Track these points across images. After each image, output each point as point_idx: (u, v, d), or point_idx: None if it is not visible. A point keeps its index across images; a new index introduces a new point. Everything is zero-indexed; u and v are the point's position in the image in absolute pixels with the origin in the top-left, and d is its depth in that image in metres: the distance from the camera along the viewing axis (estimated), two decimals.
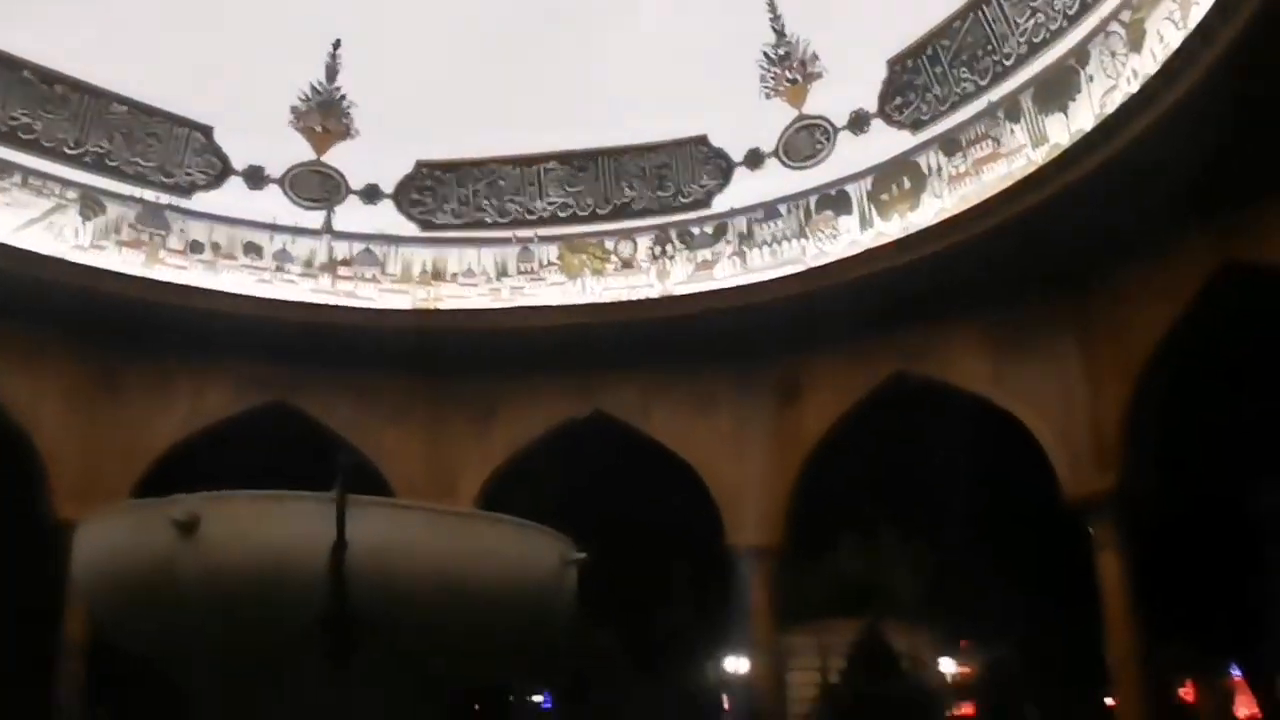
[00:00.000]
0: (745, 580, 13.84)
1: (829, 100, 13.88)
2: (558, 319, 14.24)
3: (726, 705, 15.30)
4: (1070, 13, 11.30)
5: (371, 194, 15.11)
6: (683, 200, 14.67)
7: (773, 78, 14.17)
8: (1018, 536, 11.80)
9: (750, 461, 14.19)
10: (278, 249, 14.65)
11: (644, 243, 14.69)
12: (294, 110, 14.84)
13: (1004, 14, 12.00)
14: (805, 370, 14.08)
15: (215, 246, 14.34)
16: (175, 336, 13.75)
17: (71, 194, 13.58)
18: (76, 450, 13.49)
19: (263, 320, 13.83)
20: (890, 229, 12.93)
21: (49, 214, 13.40)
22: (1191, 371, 11.27)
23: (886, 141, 13.34)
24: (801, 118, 14.09)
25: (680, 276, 14.41)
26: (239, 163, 14.72)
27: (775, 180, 14.16)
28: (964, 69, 12.55)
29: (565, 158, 14.96)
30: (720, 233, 14.36)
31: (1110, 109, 10.38)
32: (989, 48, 12.24)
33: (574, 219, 14.96)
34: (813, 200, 13.81)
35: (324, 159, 15.00)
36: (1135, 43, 10.26)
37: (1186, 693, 16.14)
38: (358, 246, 14.95)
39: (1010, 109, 12.04)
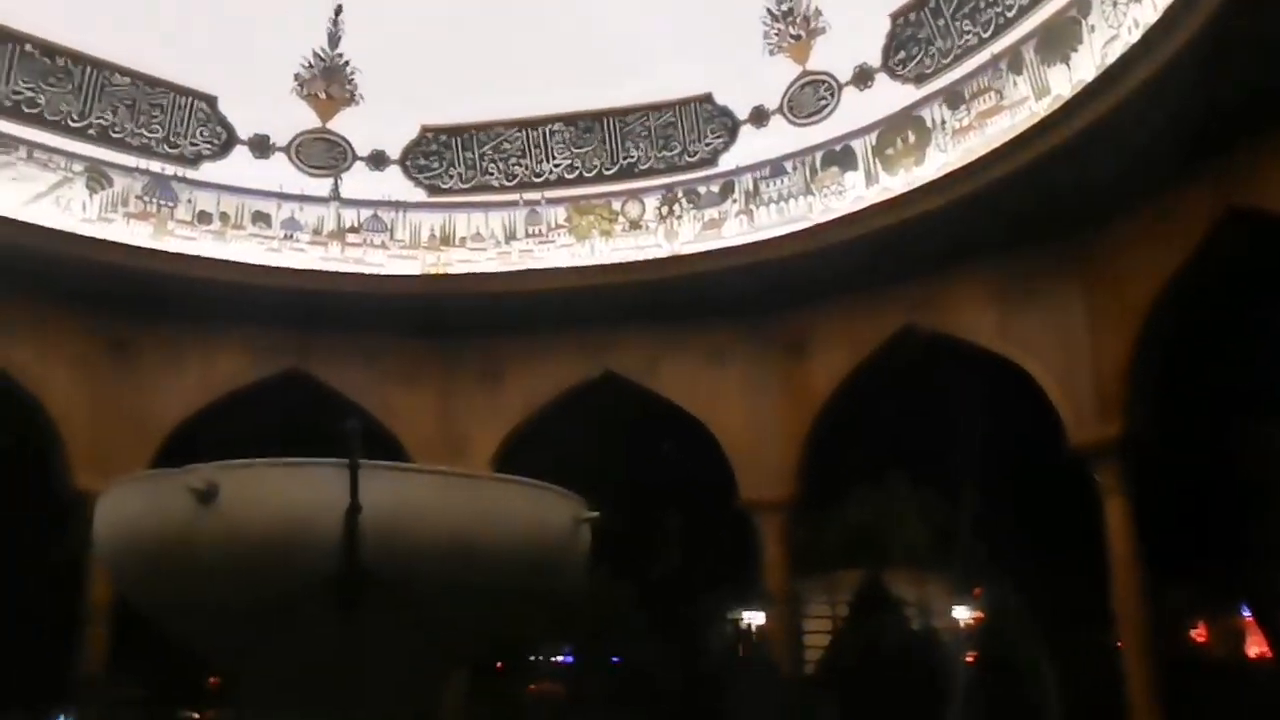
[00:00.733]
0: (759, 534, 14.00)
1: (832, 56, 13.82)
2: (567, 281, 14.29)
3: (743, 658, 15.48)
4: None
5: (378, 160, 15.14)
6: (689, 159, 14.67)
7: (776, 34, 14.12)
8: (1025, 484, 11.89)
9: (761, 417, 14.29)
10: (286, 217, 14.71)
11: (651, 203, 14.71)
12: (297, 77, 14.85)
13: None
14: (814, 325, 14.14)
15: (224, 216, 14.42)
16: (185, 307, 13.87)
17: (78, 167, 13.64)
18: (90, 422, 13.65)
19: (272, 289, 13.92)
20: (895, 184, 12.93)
21: (55, 188, 13.45)
22: (1194, 318, 11.31)
23: (890, 96, 13.28)
24: (805, 74, 14.04)
25: (688, 236, 14.44)
26: (244, 132, 14.75)
27: (781, 138, 14.13)
28: (966, 21, 12.49)
29: (571, 119, 14.95)
30: (727, 191, 14.37)
31: (1111, 59, 10.33)
32: None
33: (581, 180, 14.97)
34: (818, 157, 13.79)
35: (329, 126, 15.03)
36: None
37: (1199, 634, 16.27)
38: (365, 213, 15.00)
39: (1013, 61, 12.00)
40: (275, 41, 14.24)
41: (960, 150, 12.38)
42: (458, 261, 14.88)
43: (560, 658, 17.36)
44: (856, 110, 13.58)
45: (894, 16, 13.21)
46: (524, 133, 15.06)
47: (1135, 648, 11.18)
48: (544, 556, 4.62)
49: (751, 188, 14.22)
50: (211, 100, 14.57)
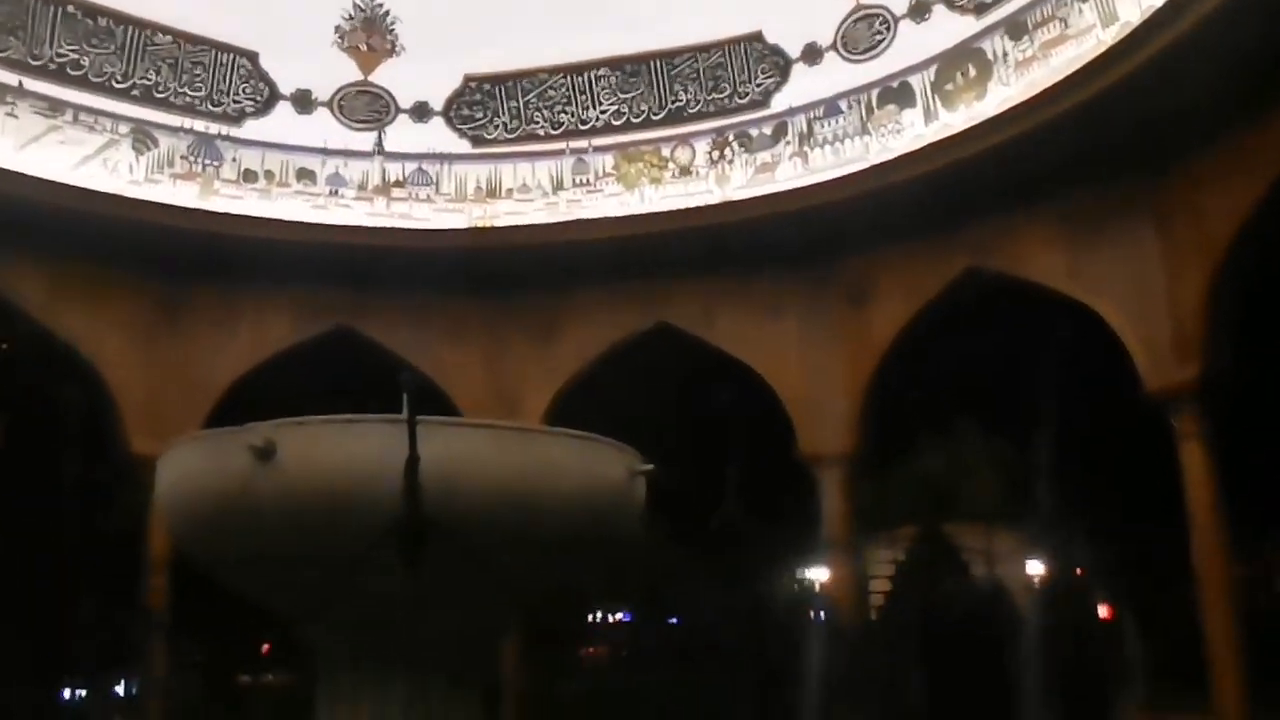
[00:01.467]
0: (822, 488, 13.73)
1: None
2: (616, 230, 14.01)
3: (809, 615, 15.29)
4: None
5: (421, 112, 14.89)
6: (739, 101, 14.27)
7: None
8: (1098, 432, 11.52)
9: (820, 367, 13.96)
10: (330, 173, 14.58)
11: (701, 148, 14.35)
12: (338, 29, 14.63)
13: None
14: (873, 271, 13.73)
15: (269, 174, 14.34)
16: (234, 267, 13.78)
17: (123, 129, 13.62)
18: (143, 383, 13.68)
19: (320, 246, 13.80)
20: (956, 120, 12.49)
21: (102, 150, 13.47)
22: (1274, 255, 10.83)
23: (949, 28, 12.80)
24: (859, 7, 13.55)
25: (740, 181, 14.08)
26: (286, 88, 14.58)
27: (834, 76, 13.69)
28: None
29: (616, 63, 14.59)
30: (780, 133, 13.98)
31: None
32: None
33: (628, 126, 14.63)
34: (874, 94, 13.36)
35: (371, 78, 14.80)
36: None
37: None
38: (410, 166, 14.81)
39: None
40: None
41: (1024, 83, 11.94)
42: (504, 214, 14.65)
43: (619, 615, 17.27)
44: (914, 44, 13.12)
45: None
46: (568, 79, 14.73)
47: (1216, 600, 10.77)
48: (600, 507, 4.72)
49: (805, 129, 13.83)
50: (253, 56, 14.41)
